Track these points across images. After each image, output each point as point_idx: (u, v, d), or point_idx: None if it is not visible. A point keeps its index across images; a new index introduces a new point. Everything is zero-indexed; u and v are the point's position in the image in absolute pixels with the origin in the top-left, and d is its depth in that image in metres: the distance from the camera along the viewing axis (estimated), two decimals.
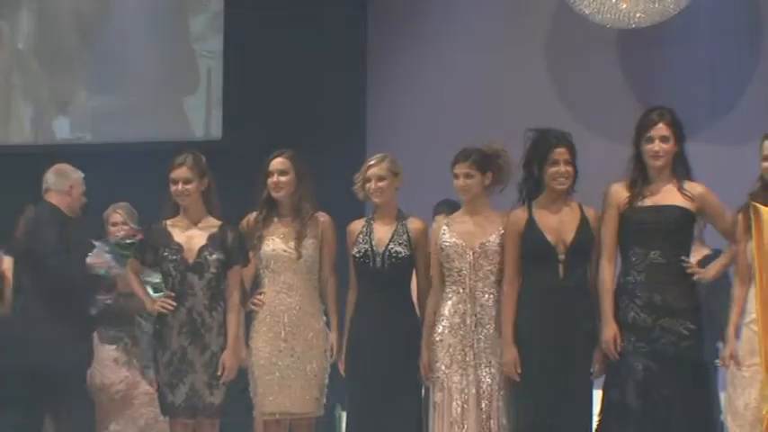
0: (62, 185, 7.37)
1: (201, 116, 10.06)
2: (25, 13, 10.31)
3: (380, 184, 6.53)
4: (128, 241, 7.39)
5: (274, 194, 6.70)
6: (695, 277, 6.05)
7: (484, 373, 6.25)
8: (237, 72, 9.77)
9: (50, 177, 7.39)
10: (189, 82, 10.09)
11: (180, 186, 6.65)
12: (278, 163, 6.72)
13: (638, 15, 8.57)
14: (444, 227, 6.41)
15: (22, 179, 9.19)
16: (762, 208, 5.43)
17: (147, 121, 10.01)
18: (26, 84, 10.30)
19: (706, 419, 6.01)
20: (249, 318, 6.79)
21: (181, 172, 6.65)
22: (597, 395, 6.13)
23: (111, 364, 7.70)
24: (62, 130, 10.26)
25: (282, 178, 6.70)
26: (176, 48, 10.14)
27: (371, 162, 6.56)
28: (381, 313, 6.46)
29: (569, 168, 6.21)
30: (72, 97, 10.23)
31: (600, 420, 6.10)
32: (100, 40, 10.17)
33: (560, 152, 6.20)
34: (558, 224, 6.21)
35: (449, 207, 7.21)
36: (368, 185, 6.53)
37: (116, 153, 9.75)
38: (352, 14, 9.72)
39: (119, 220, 7.88)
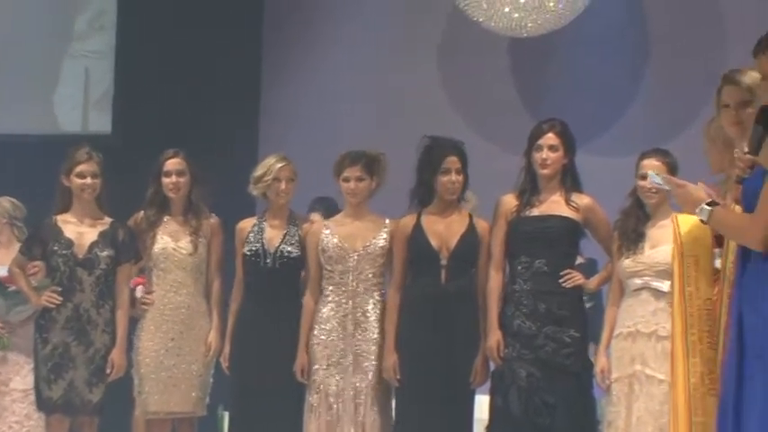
0: None
1: (78, 113, 9.89)
2: None
3: (290, 185, 6.54)
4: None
5: (171, 195, 6.73)
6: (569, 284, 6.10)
7: (362, 378, 6.26)
8: (127, 68, 9.66)
9: None
10: (64, 79, 9.91)
11: (89, 180, 6.59)
12: (175, 163, 6.75)
13: (529, 25, 8.63)
14: (325, 229, 6.42)
15: None
16: (681, 217, 5.24)
17: (16, 114, 9.82)
18: None
19: (587, 427, 6.09)
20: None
21: (89, 166, 6.60)
22: (486, 401, 6.16)
23: None
24: None
25: (181, 179, 6.72)
26: (52, 46, 9.95)
27: (280, 164, 6.53)
28: (270, 313, 6.45)
29: (460, 177, 6.26)
30: None
31: (487, 427, 6.12)
32: None
33: (452, 161, 6.24)
34: (445, 230, 6.25)
35: (323, 204, 7.26)
36: (277, 185, 6.52)
37: None
38: (248, 12, 9.68)
39: None
